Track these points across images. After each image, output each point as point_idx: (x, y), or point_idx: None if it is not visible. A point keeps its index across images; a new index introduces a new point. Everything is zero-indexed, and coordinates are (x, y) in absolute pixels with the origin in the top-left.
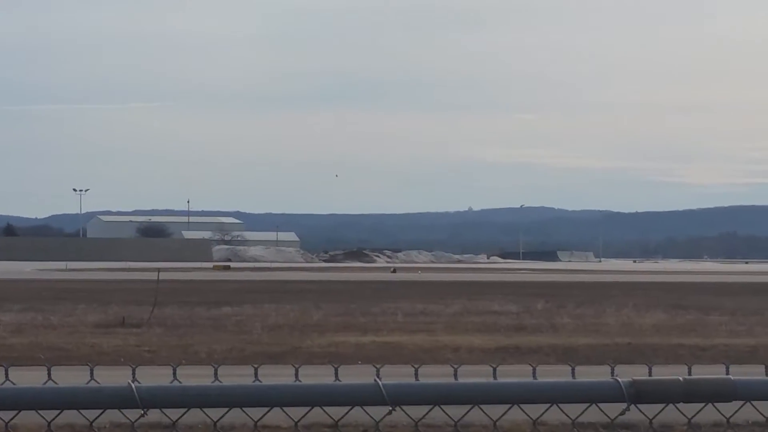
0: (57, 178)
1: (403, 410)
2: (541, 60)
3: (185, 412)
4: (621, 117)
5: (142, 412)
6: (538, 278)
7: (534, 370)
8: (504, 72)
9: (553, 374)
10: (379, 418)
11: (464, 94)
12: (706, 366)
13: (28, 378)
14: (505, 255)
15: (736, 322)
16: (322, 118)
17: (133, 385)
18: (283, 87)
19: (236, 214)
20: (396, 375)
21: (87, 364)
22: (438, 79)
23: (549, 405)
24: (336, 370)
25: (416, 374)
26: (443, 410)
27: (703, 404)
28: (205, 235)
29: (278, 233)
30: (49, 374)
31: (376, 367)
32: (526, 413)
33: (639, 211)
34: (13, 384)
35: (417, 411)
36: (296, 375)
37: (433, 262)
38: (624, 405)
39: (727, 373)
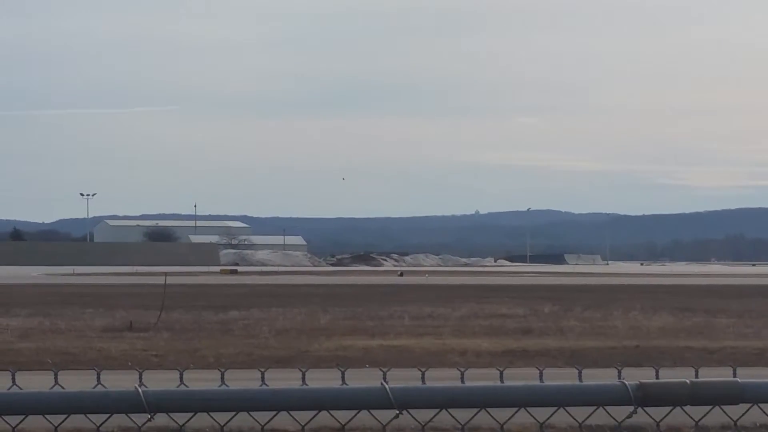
0: (64, 182)
1: (410, 414)
2: (547, 63)
3: (192, 416)
4: (628, 120)
5: (149, 416)
6: (546, 281)
7: (541, 373)
8: (511, 75)
9: (561, 377)
10: (386, 422)
11: (471, 97)
12: (714, 368)
13: (35, 382)
14: (512, 258)
15: (743, 325)
16: (328, 122)
17: (140, 390)
18: (290, 91)
19: (243, 218)
20: (403, 378)
21: (94, 369)
22: (445, 82)
23: (556, 408)
24: (343, 373)
25: (423, 378)
26: (450, 414)
27: (710, 407)
28: (212, 239)
29: (285, 237)
30: (56, 379)
31: (383, 371)
32: (533, 416)
33: (646, 213)
34: (20, 389)
35: (424, 414)
36: (303, 379)
37: (440, 265)
38: (631, 408)
39: (734, 376)
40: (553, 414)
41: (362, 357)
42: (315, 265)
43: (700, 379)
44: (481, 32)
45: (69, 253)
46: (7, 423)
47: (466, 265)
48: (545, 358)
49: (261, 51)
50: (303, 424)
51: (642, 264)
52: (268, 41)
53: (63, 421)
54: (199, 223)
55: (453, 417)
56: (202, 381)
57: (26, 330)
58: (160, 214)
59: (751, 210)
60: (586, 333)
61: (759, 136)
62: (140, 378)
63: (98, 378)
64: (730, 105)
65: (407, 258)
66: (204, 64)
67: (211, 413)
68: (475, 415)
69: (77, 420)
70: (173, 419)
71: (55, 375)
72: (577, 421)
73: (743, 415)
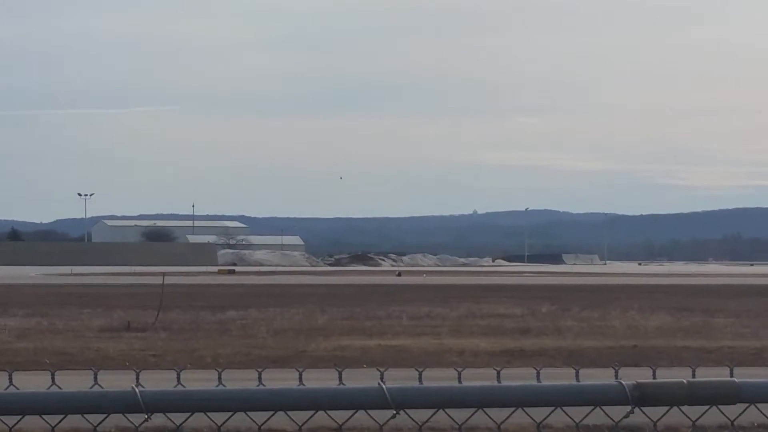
0: (62, 182)
1: (407, 414)
2: (546, 63)
3: (189, 416)
4: (626, 120)
5: (147, 416)
6: (543, 281)
7: (538, 373)
8: (509, 75)
9: (558, 377)
10: (384, 422)
11: (469, 97)
12: (711, 368)
13: (32, 382)
14: (510, 258)
15: (741, 325)
16: (326, 122)
17: (137, 390)
18: (287, 91)
19: (241, 218)
20: (400, 378)
21: (91, 369)
22: (442, 82)
23: (553, 408)
24: (340, 373)
25: (420, 378)
26: (447, 414)
27: (707, 407)
28: (210, 239)
29: (283, 237)
30: (53, 379)
31: (380, 371)
32: (530, 416)
33: (644, 213)
34: (18, 389)
35: (421, 414)
36: (300, 379)
37: (438, 265)
38: (628, 408)
39: (731, 375)
40: (550, 414)
41: (360, 357)
42: (313, 265)
43: (697, 379)
44: (479, 32)
45: (67, 253)
46: (5, 423)
47: (464, 265)
48: (543, 358)
49: (259, 51)
50: (300, 424)
51: (640, 264)
52: (266, 41)
53: (60, 422)
54: (197, 223)
55: (450, 417)
56: (199, 381)
57: (24, 330)
58: (158, 214)
59: (749, 210)
60: (584, 333)
61: (757, 136)
62: (137, 378)
63: (95, 378)
64: (729, 105)
65: (405, 258)
66: (202, 65)
67: (208, 413)
68: (473, 415)
69: (74, 420)
70: (170, 419)
71: (53, 375)
72: (574, 421)
73: (740, 414)
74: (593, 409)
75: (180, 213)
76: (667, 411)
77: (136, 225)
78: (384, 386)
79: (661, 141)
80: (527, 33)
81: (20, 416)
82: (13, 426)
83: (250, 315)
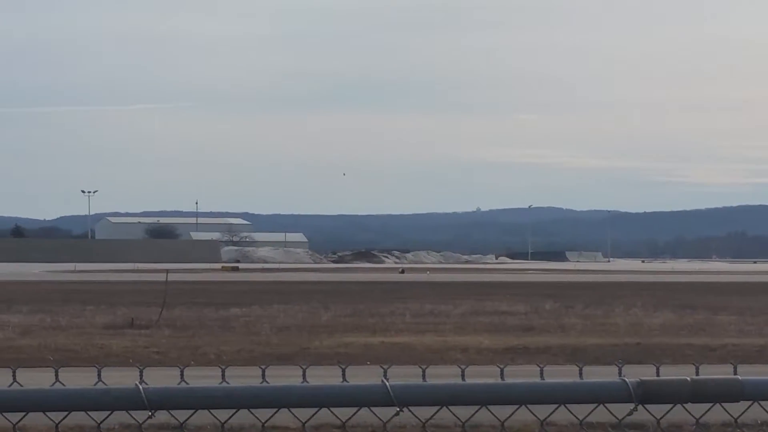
0: (65, 179)
1: (410, 411)
2: (548, 60)
3: (193, 414)
4: (629, 116)
5: (150, 413)
6: (547, 278)
7: (542, 370)
8: (512, 72)
9: (561, 374)
10: (387, 419)
11: (472, 94)
12: (715, 366)
13: (36, 379)
14: (513, 255)
15: (744, 322)
16: (329, 119)
17: (140, 387)
18: (291, 88)
19: (245, 215)
20: (404, 376)
21: (95, 366)
22: (445, 79)
23: (557, 405)
24: (344, 371)
25: (424, 375)
26: (451, 411)
27: (711, 404)
28: (214, 236)
29: (286, 234)
30: (56, 376)
31: (383, 368)
32: (534, 414)
33: (647, 211)
34: (21, 386)
35: (425, 412)
36: (304, 376)
37: (441, 262)
38: (632, 405)
39: (735, 373)
40: (554, 411)
41: (363, 354)
42: (316, 262)
43: (701, 377)
44: (482, 29)
45: (70, 250)
46: (8, 420)
47: (467, 262)
48: (546, 356)
49: (263, 47)
50: (304, 421)
51: (643, 261)
52: (269, 38)
53: (64, 419)
54: (201, 220)
55: (454, 414)
56: (203, 378)
57: (27, 327)
58: (161, 211)
59: (753, 207)
60: (588, 330)
61: (761, 134)
62: (141, 375)
63: (99, 375)
64: (733, 102)
65: (408, 255)
66: (205, 62)
67: (211, 410)
68: (476, 412)
69: (78, 417)
70: (174, 416)
71: (56, 372)
72: (577, 418)
73: (744, 412)
74: (597, 406)
75: (183, 210)
76: (671, 408)
77: (139, 222)
78: (387, 383)
79: (664, 138)
80: (530, 30)
81: (24, 413)
82: (16, 423)
83: (253, 312)
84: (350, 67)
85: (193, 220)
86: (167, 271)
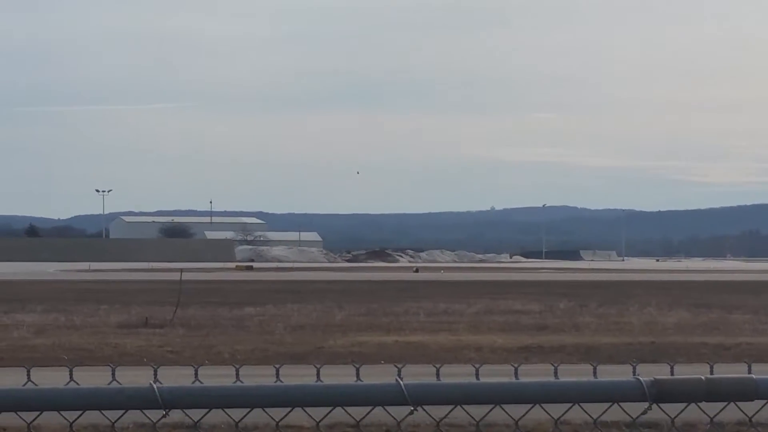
0: (79, 178)
1: (424, 410)
2: (563, 59)
3: (207, 413)
4: (643, 115)
5: (164, 412)
6: (561, 277)
7: (556, 369)
8: (527, 71)
9: (576, 373)
10: (401, 418)
11: (487, 93)
12: (729, 365)
13: (51, 379)
14: (527, 254)
15: (759, 321)
16: (344, 118)
17: (154, 386)
18: (306, 87)
19: (259, 215)
20: (418, 374)
21: (109, 365)
22: (461, 78)
23: (571, 404)
24: (357, 370)
25: (438, 374)
26: (465, 410)
27: (725, 403)
28: (228, 235)
29: (301, 233)
30: (71, 375)
31: (397, 367)
32: (548, 413)
33: (661, 209)
34: (35, 385)
35: (439, 411)
36: (318, 375)
37: (455, 261)
38: (646, 404)
39: (749, 372)
40: (568, 410)
41: (377, 353)
42: (330, 262)
43: (715, 376)
44: (499, 28)
45: (84, 249)
46: (23, 419)
47: (481, 261)
48: (560, 354)
49: (278, 47)
50: (318, 420)
51: (657, 260)
52: (284, 38)
53: (78, 418)
54: (215, 219)
55: (468, 413)
56: (217, 377)
57: (42, 326)
58: (175, 210)
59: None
60: (602, 329)
61: None
62: (155, 374)
63: (113, 374)
64: (747, 101)
65: (423, 254)
66: (220, 61)
67: (225, 409)
68: (490, 411)
69: (92, 416)
70: (188, 415)
71: (70, 371)
72: (591, 417)
73: (758, 411)
74: (611, 405)
75: (198, 209)
76: (685, 407)
77: (153, 221)
78: (401, 382)
79: (678, 137)
80: (546, 29)
81: (38, 412)
82: (31, 422)
83: (267, 311)
84: (366, 66)
85: (207, 219)
86: (181, 270)
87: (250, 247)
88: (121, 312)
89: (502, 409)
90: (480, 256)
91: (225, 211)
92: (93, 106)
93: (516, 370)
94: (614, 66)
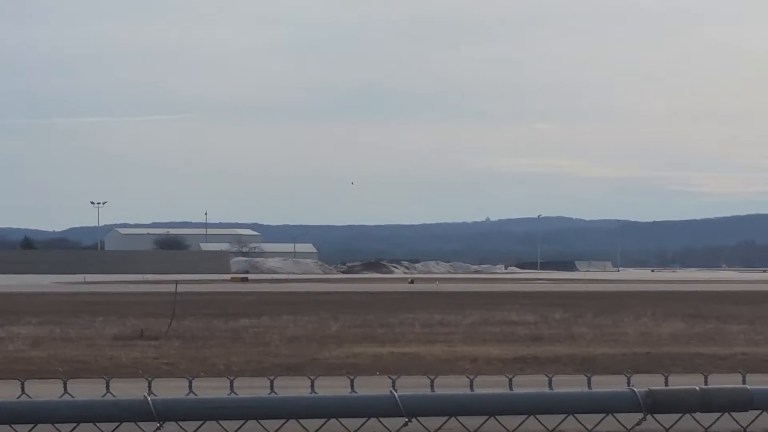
0: (75, 191)
1: (419, 421)
2: (558, 69)
3: (201, 425)
4: (638, 126)
5: (158, 424)
6: (556, 288)
7: (550, 380)
8: (521, 82)
9: (570, 384)
10: (396, 429)
11: (481, 104)
12: (724, 375)
13: (45, 391)
14: (522, 265)
15: (754, 331)
16: (339, 130)
17: (149, 398)
18: (301, 99)
19: (254, 226)
20: (413, 386)
21: (103, 377)
22: (455, 89)
23: (566, 415)
24: (352, 381)
25: (432, 385)
26: (459, 421)
27: (720, 414)
28: (223, 247)
29: (296, 245)
30: (65, 387)
31: (391, 378)
32: (542, 423)
33: (657, 220)
34: (29, 397)
35: (433, 422)
36: (312, 386)
37: (450, 272)
38: (641, 415)
39: (744, 382)
40: (562, 421)
41: (373, 364)
42: (326, 273)
43: (710, 386)
44: (492, 38)
45: (80, 261)
46: None
47: (476, 272)
48: (556, 365)
49: (272, 59)
50: (312, 431)
51: (653, 270)
52: (278, 50)
53: (72, 430)
54: (210, 231)
55: (462, 424)
56: (212, 389)
57: (37, 338)
58: (170, 222)
59: (762, 216)
60: (597, 340)
61: None
62: (149, 386)
63: (107, 386)
64: (741, 112)
65: (418, 265)
66: (215, 73)
67: (220, 421)
68: (485, 422)
69: (87, 429)
70: (182, 428)
71: (65, 384)
72: (586, 428)
73: (753, 421)
74: (606, 416)
75: (193, 221)
76: (680, 418)
77: (148, 233)
78: (396, 394)
79: (674, 148)
80: (540, 39)
81: (33, 425)
82: None
83: (262, 323)
84: (361, 77)
85: (202, 231)
86: (176, 282)
87: (245, 258)
88: (117, 324)
89: (497, 420)
90: (475, 266)
91: (220, 223)
92: (88, 118)
93: (510, 381)
94: (610, 77)
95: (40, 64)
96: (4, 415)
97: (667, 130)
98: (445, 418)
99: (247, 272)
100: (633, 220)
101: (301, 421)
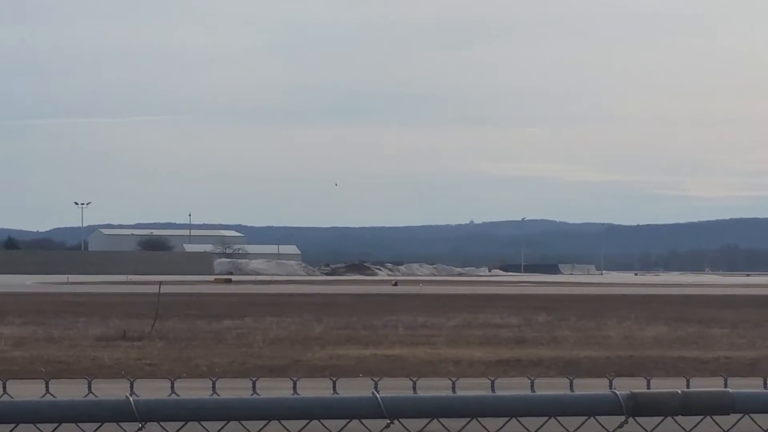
0: (59, 191)
1: (401, 423)
2: (542, 73)
3: (183, 425)
4: (622, 130)
5: (140, 425)
6: (540, 291)
7: (533, 383)
8: (505, 85)
9: (553, 387)
10: (378, 431)
11: (466, 107)
12: (706, 379)
13: (27, 391)
14: (506, 268)
15: (737, 335)
16: (323, 132)
17: (131, 399)
18: (284, 101)
19: (237, 227)
20: (395, 388)
21: (85, 378)
22: (439, 92)
23: (547, 418)
24: (334, 383)
25: (414, 387)
26: (441, 423)
27: (701, 417)
28: (207, 248)
29: (279, 246)
30: (47, 388)
31: (374, 380)
32: (524, 426)
33: (640, 223)
34: (11, 397)
35: (415, 424)
36: (295, 388)
37: (434, 275)
38: (622, 418)
39: (726, 386)
40: (544, 423)
41: (356, 366)
42: (309, 275)
43: (692, 390)
44: (477, 42)
45: (63, 261)
46: None
47: (460, 274)
48: (539, 368)
49: (256, 61)
50: None
51: (636, 274)
52: (262, 52)
53: (54, 430)
54: (194, 232)
55: (444, 426)
56: (194, 390)
57: (20, 339)
58: (154, 223)
59: (746, 220)
60: (581, 343)
61: (754, 148)
62: (131, 387)
63: (89, 387)
64: (726, 116)
65: (402, 267)
66: (199, 74)
67: (202, 422)
68: (467, 424)
69: (68, 429)
70: (164, 428)
71: (46, 384)
72: (568, 430)
73: (734, 425)
74: (587, 419)
75: (177, 222)
76: (662, 421)
77: (132, 234)
78: (378, 396)
79: (658, 151)
80: (524, 43)
81: (14, 425)
82: None
83: (246, 324)
84: (345, 79)
85: (186, 232)
86: (160, 282)
87: (228, 260)
88: (100, 325)
89: (479, 422)
90: (459, 269)
91: (204, 224)
92: (71, 119)
93: (493, 383)
94: (594, 81)
95: (25, 65)
96: None
97: (651, 134)
98: (427, 420)
99: (231, 273)
100: (617, 223)
101: (283, 422)
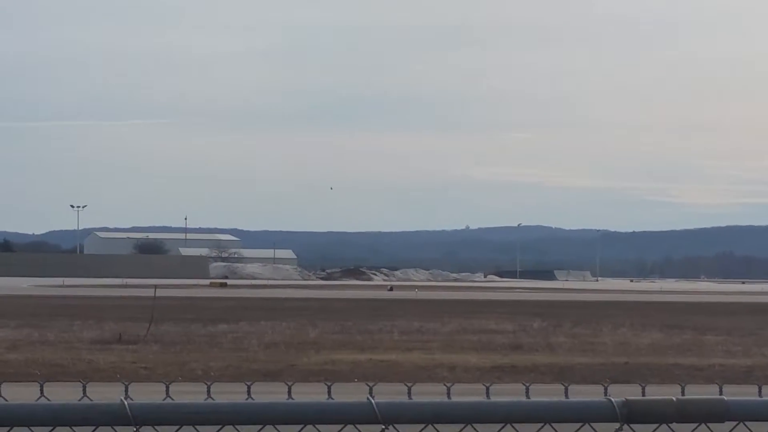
0: (54, 194)
1: (395, 428)
2: (538, 79)
3: (178, 429)
4: (619, 136)
5: (135, 429)
6: (535, 297)
7: (527, 389)
8: (501, 91)
9: (548, 393)
10: None
11: (462, 112)
12: (701, 386)
13: (22, 394)
14: (502, 274)
15: (732, 342)
16: (319, 136)
17: (125, 402)
18: (281, 105)
19: (233, 232)
20: (390, 393)
21: (80, 381)
22: (435, 97)
23: (542, 424)
24: (329, 388)
25: (409, 392)
26: (436, 429)
27: (696, 424)
28: (202, 252)
29: (275, 251)
30: (41, 390)
31: (369, 385)
32: None
33: (636, 230)
34: (6, 400)
35: (410, 429)
36: (289, 392)
37: (430, 280)
38: (617, 425)
39: (721, 393)
40: (539, 430)
41: (351, 371)
42: (305, 279)
43: (686, 397)
44: (472, 48)
45: (59, 264)
46: None
47: (455, 280)
48: (534, 374)
49: (253, 65)
50: None
51: (632, 281)
52: (259, 56)
53: None
54: (190, 236)
55: None
56: (189, 394)
57: (15, 341)
58: (150, 227)
59: (741, 228)
60: (575, 349)
61: (750, 155)
62: (126, 390)
63: (84, 390)
64: (722, 123)
65: (397, 273)
66: (196, 78)
67: (196, 426)
68: (462, 430)
69: None
70: None
71: (41, 387)
72: None
73: None
74: (582, 425)
75: (172, 226)
76: (656, 428)
77: (128, 237)
78: (373, 401)
79: (653, 158)
80: (521, 49)
81: (8, 428)
82: None
83: (241, 328)
84: (341, 85)
85: (181, 235)
86: (155, 286)
87: (224, 264)
88: (95, 328)
89: (473, 428)
90: (454, 275)
91: (200, 228)
92: (68, 122)
93: (488, 389)
94: (590, 87)
95: (21, 68)
96: None
97: (648, 141)
98: (422, 426)
99: (226, 277)
100: (613, 230)
101: (277, 427)
